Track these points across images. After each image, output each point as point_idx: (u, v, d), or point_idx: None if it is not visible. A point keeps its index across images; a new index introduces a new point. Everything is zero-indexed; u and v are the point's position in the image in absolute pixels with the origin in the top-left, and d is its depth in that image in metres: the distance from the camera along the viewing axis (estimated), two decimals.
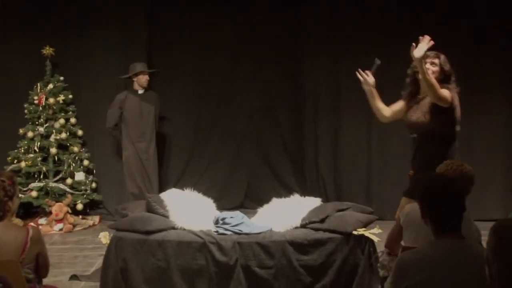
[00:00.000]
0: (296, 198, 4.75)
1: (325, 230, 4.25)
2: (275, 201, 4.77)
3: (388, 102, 4.37)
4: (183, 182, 6.72)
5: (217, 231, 4.34)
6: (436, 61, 4.17)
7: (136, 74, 6.43)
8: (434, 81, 3.96)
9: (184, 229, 4.34)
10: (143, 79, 6.45)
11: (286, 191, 6.26)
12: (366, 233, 4.25)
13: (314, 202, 4.66)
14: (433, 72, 4.08)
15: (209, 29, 7.08)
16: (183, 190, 4.82)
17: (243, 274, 4.16)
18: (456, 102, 4.12)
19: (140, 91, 6.54)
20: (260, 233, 4.31)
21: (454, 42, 6.68)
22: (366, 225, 4.37)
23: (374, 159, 6.93)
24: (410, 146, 6.02)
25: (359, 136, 6.91)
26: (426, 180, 2.60)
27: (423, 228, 2.64)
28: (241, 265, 4.16)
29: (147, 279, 4.20)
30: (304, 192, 5.36)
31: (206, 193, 4.97)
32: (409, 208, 3.12)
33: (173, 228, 4.34)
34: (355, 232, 4.22)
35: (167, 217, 4.43)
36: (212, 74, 7.13)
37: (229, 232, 4.32)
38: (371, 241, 4.24)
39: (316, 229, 4.28)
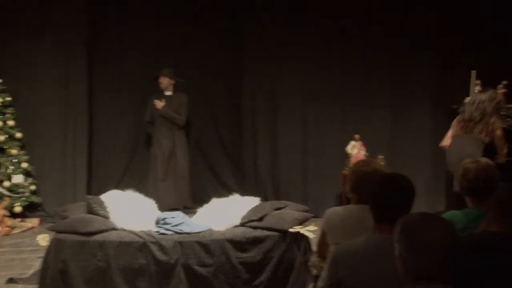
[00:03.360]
0: (235, 197, 4.89)
1: (263, 228, 4.39)
2: (215, 201, 4.88)
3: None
4: (124, 183, 6.74)
5: (158, 231, 4.40)
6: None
7: (164, 75, 6.60)
8: None
9: (125, 230, 4.38)
10: (165, 81, 6.61)
11: (225, 191, 6.38)
12: (302, 231, 4.42)
13: (252, 201, 4.80)
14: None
15: (149, 35, 7.09)
16: (124, 191, 4.85)
17: (184, 272, 4.24)
18: None
19: (167, 93, 6.66)
20: (200, 232, 4.41)
21: (382, 52, 7.03)
22: (302, 222, 4.54)
23: (309, 159, 7.12)
24: (342, 147, 6.27)
25: (296, 137, 7.09)
26: (381, 177, 2.69)
27: (344, 231, 2.79)
28: (182, 263, 4.24)
29: (88, 280, 4.21)
30: (243, 192, 5.49)
31: (147, 194, 5.02)
32: (330, 212, 3.17)
33: (114, 229, 4.38)
34: (291, 230, 4.38)
35: (107, 218, 4.45)
36: (151, 77, 7.12)
37: (170, 232, 4.39)
38: (307, 238, 4.42)
39: (255, 227, 4.41)
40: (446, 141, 5.20)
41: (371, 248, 2.41)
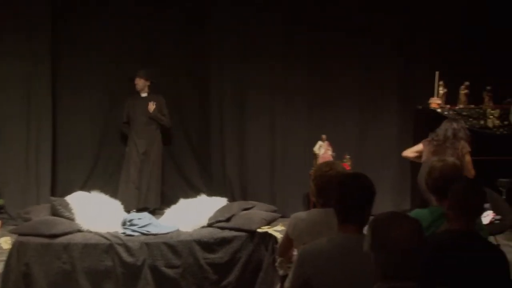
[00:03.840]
0: (203, 198, 4.86)
1: (231, 229, 4.38)
2: (182, 202, 4.86)
3: None
4: (89, 185, 6.64)
5: (124, 233, 4.36)
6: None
7: (133, 80, 6.67)
8: None
9: (91, 232, 4.33)
10: (141, 82, 6.72)
11: (193, 192, 6.34)
12: (270, 231, 4.45)
13: (220, 202, 4.80)
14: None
15: (114, 35, 7.01)
16: (89, 192, 4.79)
17: (151, 274, 4.21)
18: None
19: (143, 94, 6.75)
20: (167, 233, 4.38)
21: (348, 52, 7.09)
22: (270, 222, 4.56)
23: (277, 160, 7.14)
24: (309, 148, 6.32)
25: (263, 138, 7.10)
26: (342, 177, 2.75)
27: (311, 236, 2.81)
28: (149, 265, 4.21)
29: (52, 283, 4.14)
30: (211, 193, 5.47)
31: (113, 195, 4.96)
32: (295, 219, 3.18)
33: (79, 230, 4.32)
34: (259, 230, 4.39)
35: (73, 220, 4.39)
36: (116, 78, 7.05)
37: (136, 233, 4.35)
38: (275, 238, 4.43)
39: (222, 228, 4.40)
40: (409, 153, 5.30)
41: (336, 248, 2.44)
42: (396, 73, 7.22)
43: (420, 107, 6.68)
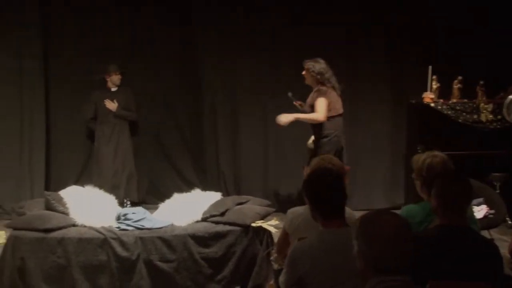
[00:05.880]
0: (197, 192, 4.86)
1: (225, 223, 4.39)
2: (176, 196, 4.87)
3: None
4: (83, 179, 6.65)
5: (118, 227, 4.37)
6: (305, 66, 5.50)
7: (109, 74, 6.63)
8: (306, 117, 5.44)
9: (85, 226, 4.34)
10: (116, 78, 6.69)
11: (187, 186, 6.35)
12: (264, 225, 4.45)
13: (214, 196, 4.81)
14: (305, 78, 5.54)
15: (104, 29, 6.99)
16: (83, 187, 4.80)
17: (146, 268, 4.23)
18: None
19: (113, 89, 6.74)
20: (162, 227, 4.40)
21: (339, 45, 7.09)
22: (264, 217, 4.57)
23: (270, 154, 7.14)
24: (303, 142, 6.34)
25: (256, 132, 7.10)
26: (308, 175, 2.83)
27: (308, 231, 2.84)
28: (143, 259, 4.23)
29: (47, 277, 4.16)
30: (205, 187, 5.48)
31: (107, 189, 4.97)
32: (292, 214, 3.27)
33: (74, 225, 4.33)
34: (253, 224, 4.40)
35: (67, 214, 4.40)
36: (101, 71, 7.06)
37: (131, 228, 4.37)
38: (269, 232, 4.44)
39: (217, 222, 4.42)
40: None
41: (325, 243, 2.52)
42: (388, 66, 7.22)
43: (413, 101, 6.69)
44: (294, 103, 5.73)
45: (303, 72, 5.55)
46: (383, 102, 7.24)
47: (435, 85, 6.41)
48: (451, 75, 6.47)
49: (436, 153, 3.24)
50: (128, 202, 6.49)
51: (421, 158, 3.20)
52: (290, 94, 5.77)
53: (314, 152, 5.43)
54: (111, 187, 6.26)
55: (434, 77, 6.40)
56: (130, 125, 6.83)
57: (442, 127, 6.35)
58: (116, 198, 6.03)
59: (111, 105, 6.62)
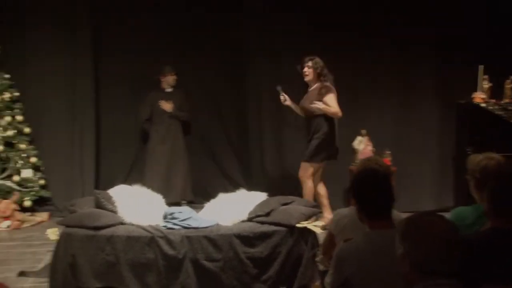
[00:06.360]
0: (242, 192, 4.87)
1: (270, 223, 4.39)
2: (222, 196, 4.88)
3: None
4: (131, 178, 6.77)
5: (165, 226, 4.42)
6: (310, 64, 5.88)
7: (165, 75, 6.74)
8: (328, 110, 5.78)
9: (133, 224, 4.40)
10: (171, 79, 6.82)
11: (232, 186, 6.38)
12: (309, 226, 4.42)
13: (260, 196, 4.80)
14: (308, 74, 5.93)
15: (153, 29, 7.11)
16: (131, 186, 4.88)
17: (192, 267, 4.26)
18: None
19: (168, 90, 6.86)
20: (207, 227, 4.42)
21: (387, 46, 6.99)
22: (309, 217, 4.54)
23: None
24: (348, 143, 6.30)
25: (301, 132, 7.06)
26: (355, 175, 2.80)
27: (354, 232, 2.81)
28: (190, 258, 4.26)
29: (97, 274, 4.24)
30: (250, 187, 5.49)
31: (154, 189, 5.04)
32: (338, 215, 3.26)
33: (122, 223, 4.40)
34: (298, 225, 4.38)
35: (115, 212, 4.47)
36: (157, 72, 7.16)
37: (177, 227, 4.40)
38: (314, 233, 4.42)
39: (262, 223, 4.41)
40: None
41: (372, 245, 2.49)
42: (436, 66, 7.08)
43: (462, 101, 6.54)
44: (281, 96, 6.10)
45: (306, 69, 5.90)
46: (432, 102, 7.11)
47: (486, 85, 6.25)
48: (503, 75, 6.29)
49: (493, 155, 3.16)
50: (185, 202, 6.54)
51: (477, 159, 3.13)
52: (279, 88, 6.14)
53: (319, 145, 5.89)
54: (165, 187, 6.41)
55: (485, 76, 6.23)
56: (183, 126, 6.91)
57: (492, 128, 6.18)
58: (172, 198, 6.28)
59: (166, 105, 6.71)
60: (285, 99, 6.08)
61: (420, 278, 1.91)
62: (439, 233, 1.91)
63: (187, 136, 7.05)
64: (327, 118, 5.88)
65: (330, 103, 5.78)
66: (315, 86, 5.94)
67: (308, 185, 6.02)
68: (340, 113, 5.83)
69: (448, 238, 1.92)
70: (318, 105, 5.76)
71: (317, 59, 5.92)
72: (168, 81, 6.81)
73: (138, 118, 6.93)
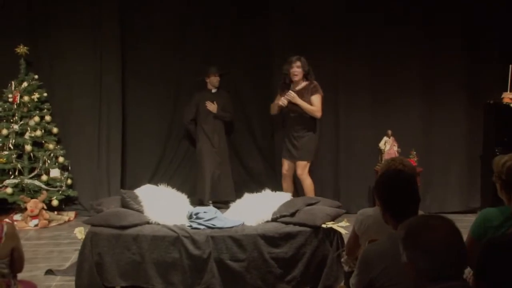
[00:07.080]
0: (267, 193, 4.84)
1: (295, 224, 4.37)
2: (247, 196, 4.88)
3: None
4: (157, 178, 6.83)
5: (190, 226, 4.44)
6: (299, 63, 5.98)
7: (209, 76, 6.85)
8: (307, 107, 5.96)
9: (158, 224, 4.43)
10: (215, 80, 6.93)
11: (257, 186, 6.37)
12: (334, 226, 4.39)
13: (284, 197, 4.79)
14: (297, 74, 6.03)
15: (180, 29, 7.18)
16: (157, 185, 4.91)
17: (216, 267, 4.26)
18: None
19: (213, 90, 6.99)
20: (232, 227, 4.42)
21: (414, 45, 6.92)
22: (334, 218, 4.51)
23: (341, 156, 7.07)
24: (374, 143, 6.23)
25: (327, 133, 7.03)
26: (379, 176, 2.77)
27: (378, 232, 2.78)
28: (214, 258, 4.26)
29: (122, 273, 4.28)
30: (275, 188, 5.48)
31: (179, 188, 5.07)
32: (362, 215, 3.22)
33: (148, 223, 4.42)
34: (323, 225, 4.35)
35: (141, 212, 4.50)
36: (183, 72, 7.22)
37: (202, 227, 4.41)
38: (339, 233, 4.38)
39: (287, 223, 4.40)
40: None
41: (397, 247, 2.39)
42: (463, 66, 6.98)
43: (491, 101, 6.43)
44: (283, 98, 6.11)
45: (295, 69, 6.00)
46: (459, 102, 7.02)
47: None
48: None
49: None
50: (210, 202, 6.56)
51: (502, 160, 3.06)
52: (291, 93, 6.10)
53: (310, 142, 6.11)
54: (210, 186, 6.65)
55: None
56: (226, 126, 7.02)
57: None
58: (213, 197, 6.59)
59: (212, 106, 6.84)
60: (284, 103, 6.13)
61: (428, 283, 1.88)
62: (442, 238, 1.87)
63: (232, 138, 7.21)
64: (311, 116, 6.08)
65: (316, 103, 6.00)
66: (303, 85, 6.09)
67: (307, 182, 6.19)
68: (320, 114, 6.06)
69: (453, 239, 1.88)
70: (300, 100, 5.98)
71: (303, 59, 6.07)
72: (212, 82, 6.93)
73: (183, 119, 7.06)
